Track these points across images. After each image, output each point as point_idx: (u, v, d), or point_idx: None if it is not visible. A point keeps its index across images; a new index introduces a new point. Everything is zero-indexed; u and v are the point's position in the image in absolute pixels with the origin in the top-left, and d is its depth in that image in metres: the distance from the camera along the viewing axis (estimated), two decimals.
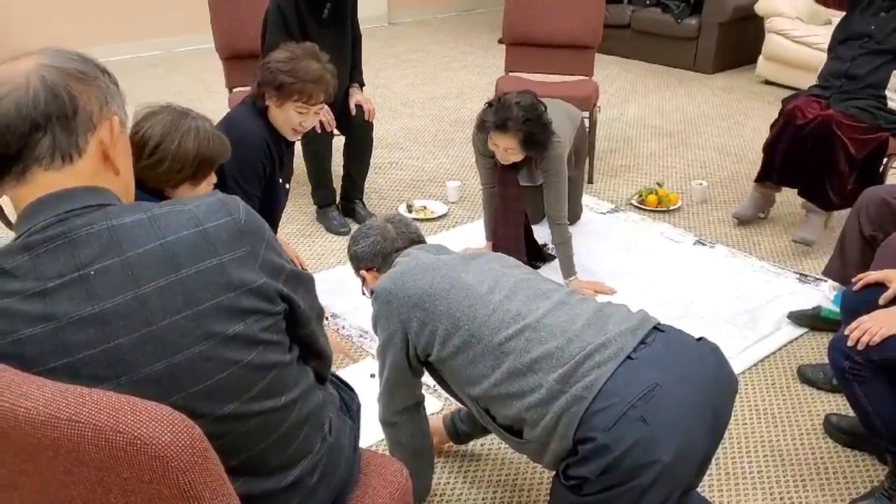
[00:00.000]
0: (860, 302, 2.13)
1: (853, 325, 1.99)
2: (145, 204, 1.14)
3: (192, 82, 5.95)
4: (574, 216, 3.61)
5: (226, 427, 1.12)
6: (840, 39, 3.51)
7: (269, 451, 1.21)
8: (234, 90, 3.99)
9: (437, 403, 2.49)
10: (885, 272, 2.15)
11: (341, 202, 3.83)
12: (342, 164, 3.78)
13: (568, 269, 3.14)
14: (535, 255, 3.33)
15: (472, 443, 2.35)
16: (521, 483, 2.24)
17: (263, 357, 1.15)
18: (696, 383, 1.64)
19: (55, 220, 1.05)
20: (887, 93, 3.32)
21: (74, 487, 0.94)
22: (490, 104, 2.94)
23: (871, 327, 1.95)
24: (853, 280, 2.24)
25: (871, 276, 2.17)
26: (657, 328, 1.71)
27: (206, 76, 5.96)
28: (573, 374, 1.62)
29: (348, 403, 1.51)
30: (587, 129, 3.72)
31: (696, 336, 1.74)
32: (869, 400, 2.00)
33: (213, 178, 2.11)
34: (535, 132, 2.86)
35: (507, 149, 2.90)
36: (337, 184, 3.82)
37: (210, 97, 5.33)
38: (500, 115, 2.85)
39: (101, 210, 1.08)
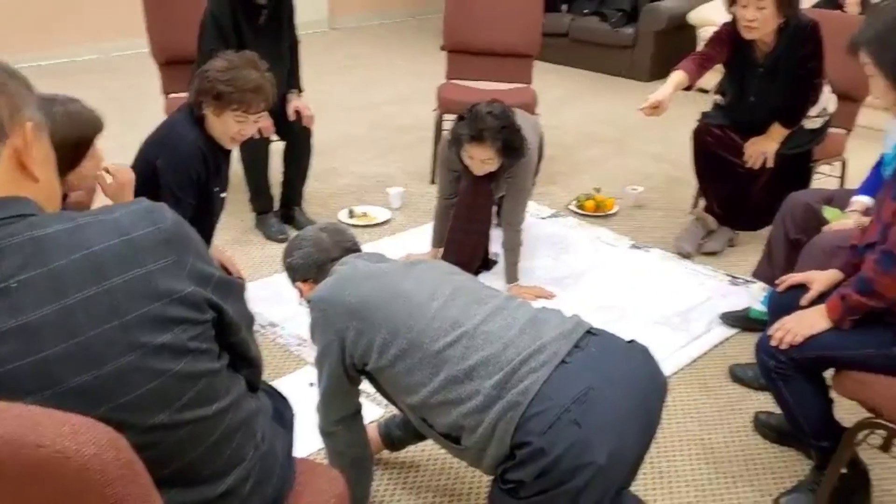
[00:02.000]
0: (785, 303, 2.20)
1: (776, 325, 2.06)
2: (69, 213, 1.13)
3: (128, 88, 5.83)
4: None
5: (156, 437, 1.12)
6: (725, 93, 3.56)
7: (200, 461, 1.20)
8: (171, 96, 3.94)
9: (377, 411, 2.49)
10: (807, 274, 2.23)
11: (280, 209, 3.81)
12: (281, 170, 3.77)
13: (512, 276, 3.18)
14: (482, 264, 3.36)
15: (410, 450, 2.36)
16: (460, 488, 2.26)
17: (193, 366, 1.14)
18: (628, 386, 1.68)
19: None
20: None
21: None
22: (461, 117, 2.94)
23: (793, 328, 2.02)
24: (777, 282, 2.32)
25: (795, 277, 2.25)
26: (590, 332, 1.75)
27: (143, 81, 5.83)
28: (509, 379, 1.64)
29: (281, 412, 1.51)
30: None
31: (628, 339, 1.79)
32: (793, 398, 2.07)
33: (98, 155, 2.05)
34: (511, 139, 2.88)
35: (484, 159, 2.91)
36: (276, 190, 3.79)
37: (146, 103, 5.22)
38: (474, 127, 2.85)
39: (23, 220, 1.06)
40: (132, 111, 4.86)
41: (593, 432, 1.57)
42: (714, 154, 3.53)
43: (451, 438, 1.74)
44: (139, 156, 2.62)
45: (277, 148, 3.70)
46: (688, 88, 3.37)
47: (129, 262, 1.08)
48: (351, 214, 3.91)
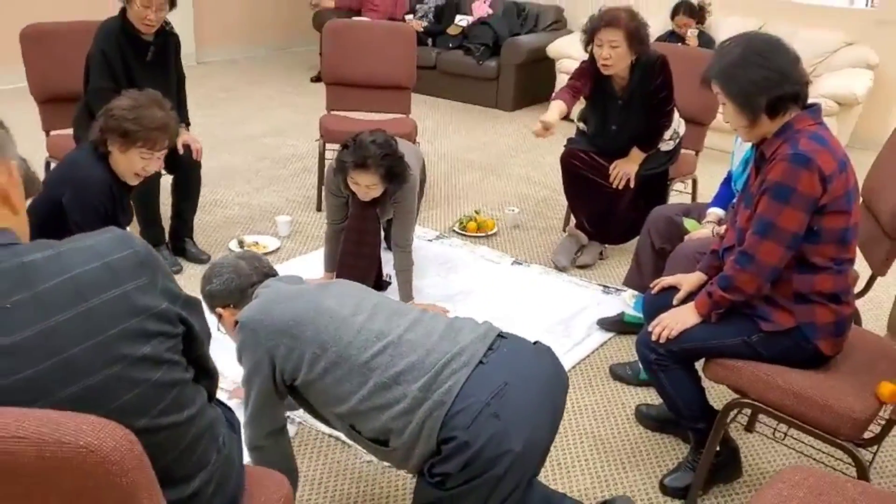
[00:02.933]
0: (659, 303, 2.49)
1: (654, 322, 2.33)
2: (48, 241, 1.22)
3: None
4: None
5: (139, 440, 1.22)
6: (587, 120, 3.89)
7: (174, 463, 1.31)
8: (53, 133, 3.89)
9: (291, 429, 2.59)
10: (676, 277, 2.53)
11: (171, 241, 3.82)
12: (170, 203, 3.79)
13: (406, 295, 3.35)
14: (375, 285, 3.51)
15: (329, 459, 2.49)
16: (378, 493, 2.40)
17: (168, 375, 1.26)
18: (538, 381, 1.89)
19: None
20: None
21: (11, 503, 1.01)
22: (346, 145, 3.07)
23: (669, 323, 2.30)
24: (650, 286, 2.62)
25: (665, 280, 2.55)
26: (500, 335, 1.96)
27: (9, 118, 5.64)
28: (434, 381, 1.81)
29: (231, 421, 1.62)
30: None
31: (532, 341, 2.01)
32: (672, 385, 2.35)
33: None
34: (393, 165, 3.04)
35: (369, 185, 3.06)
36: (165, 223, 3.81)
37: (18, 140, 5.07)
38: (358, 154, 2.99)
39: (9, 248, 1.16)
40: None
41: (510, 423, 1.77)
42: (581, 176, 3.86)
43: (379, 442, 1.89)
44: (41, 196, 2.62)
45: (165, 181, 3.73)
46: (565, 117, 3.68)
47: (108, 283, 1.19)
48: (241, 244, 3.97)
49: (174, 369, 1.28)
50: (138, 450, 1.02)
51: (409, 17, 7.50)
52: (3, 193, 1.19)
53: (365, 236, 3.32)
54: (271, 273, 2.20)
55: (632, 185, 3.76)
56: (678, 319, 2.31)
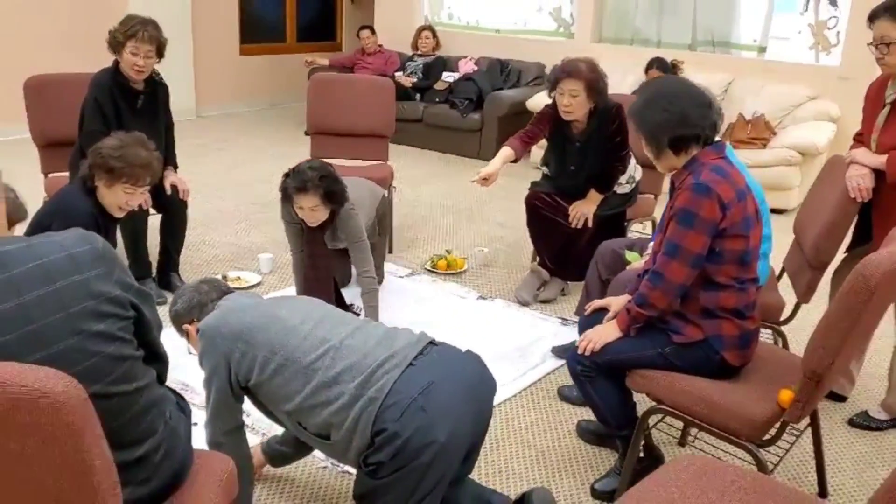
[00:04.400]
0: (590, 323, 2.73)
1: (581, 337, 2.58)
2: (20, 237, 1.50)
3: None
4: (378, 279, 4.08)
5: (92, 404, 1.46)
6: (549, 163, 4.19)
7: (123, 429, 1.55)
8: (50, 175, 4.22)
9: (255, 439, 2.82)
10: (607, 299, 2.78)
11: (158, 275, 4.09)
12: (158, 240, 4.07)
13: (373, 318, 3.59)
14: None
15: (288, 466, 2.71)
16: (330, 494, 2.62)
17: (119, 350, 1.51)
18: (463, 381, 2.13)
19: None
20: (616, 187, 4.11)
21: None
22: (287, 175, 3.39)
23: (593, 338, 2.54)
24: (585, 308, 2.86)
25: (596, 303, 2.80)
26: (432, 343, 2.21)
27: (14, 165, 5.98)
28: (369, 380, 2.05)
29: (182, 406, 1.86)
30: (391, 203, 4.24)
31: (464, 349, 2.26)
32: (598, 395, 2.58)
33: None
34: (331, 186, 3.33)
35: (313, 207, 3.34)
36: (153, 259, 4.08)
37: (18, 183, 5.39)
38: (298, 179, 3.30)
39: None
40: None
41: (436, 416, 2.00)
42: (543, 216, 4.13)
43: (321, 437, 2.13)
44: (33, 225, 2.92)
45: (154, 221, 4.02)
46: (514, 161, 3.97)
47: (71, 270, 1.46)
48: (224, 279, 4.23)
49: (125, 346, 1.53)
50: (84, 396, 1.27)
51: (399, 73, 7.90)
52: None
53: (318, 261, 3.61)
54: (229, 291, 2.45)
55: (590, 224, 4.03)
56: (601, 334, 2.55)
